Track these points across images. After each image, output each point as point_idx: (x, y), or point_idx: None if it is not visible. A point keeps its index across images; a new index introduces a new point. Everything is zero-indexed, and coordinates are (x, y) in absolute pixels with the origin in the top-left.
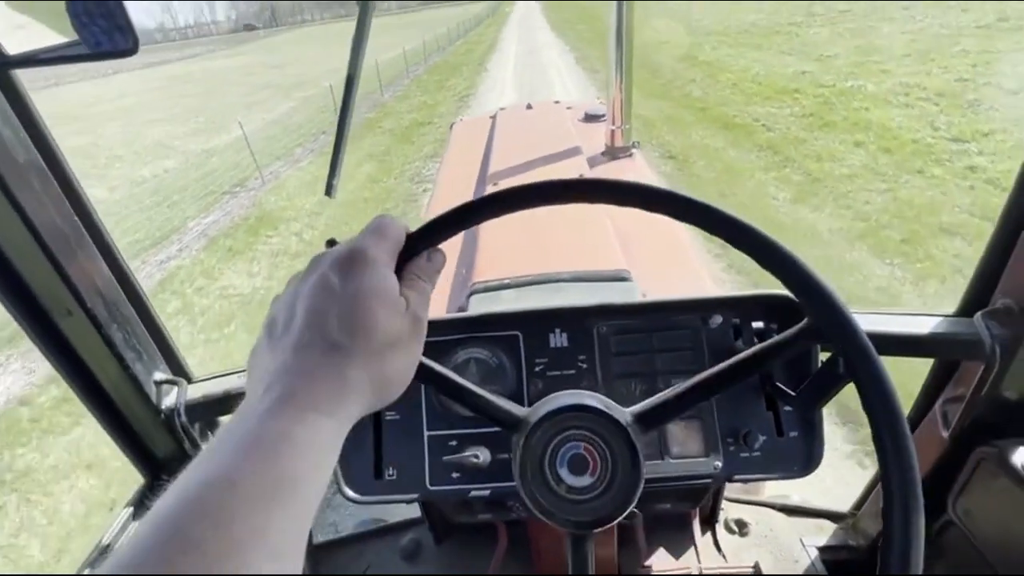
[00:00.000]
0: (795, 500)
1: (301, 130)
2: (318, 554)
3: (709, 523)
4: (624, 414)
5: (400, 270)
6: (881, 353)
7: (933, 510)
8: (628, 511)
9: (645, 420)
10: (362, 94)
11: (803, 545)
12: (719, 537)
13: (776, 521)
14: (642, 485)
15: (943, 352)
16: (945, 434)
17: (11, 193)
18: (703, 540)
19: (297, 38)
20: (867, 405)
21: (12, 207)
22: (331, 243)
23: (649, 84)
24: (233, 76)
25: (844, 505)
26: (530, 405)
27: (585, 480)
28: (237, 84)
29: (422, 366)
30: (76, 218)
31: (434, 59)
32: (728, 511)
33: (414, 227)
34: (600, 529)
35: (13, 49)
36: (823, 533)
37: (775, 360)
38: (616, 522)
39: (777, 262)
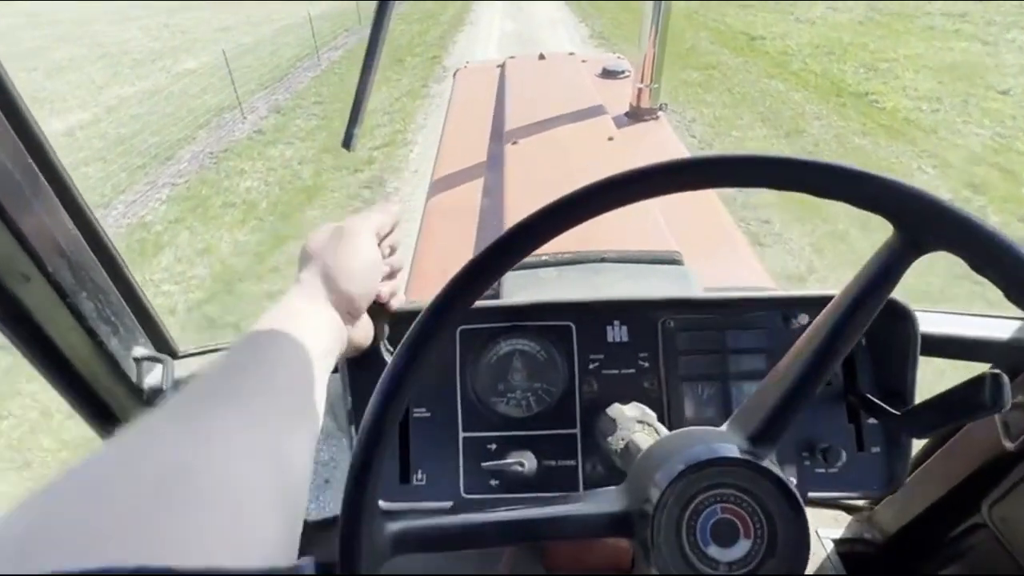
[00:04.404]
0: None
1: None
2: (312, 532)
3: None
4: (737, 443)
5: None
6: (934, 355)
7: (963, 511)
8: (807, 556)
9: (767, 439)
10: (213, 106)
11: (818, 536)
12: None
13: None
14: (808, 519)
15: (1009, 358)
16: (1010, 445)
17: None
18: None
19: None
20: None
21: None
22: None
23: None
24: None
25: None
26: (583, 407)
27: (742, 547)
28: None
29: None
30: (33, 164)
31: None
32: None
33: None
34: None
35: None
36: (838, 525)
37: (887, 294)
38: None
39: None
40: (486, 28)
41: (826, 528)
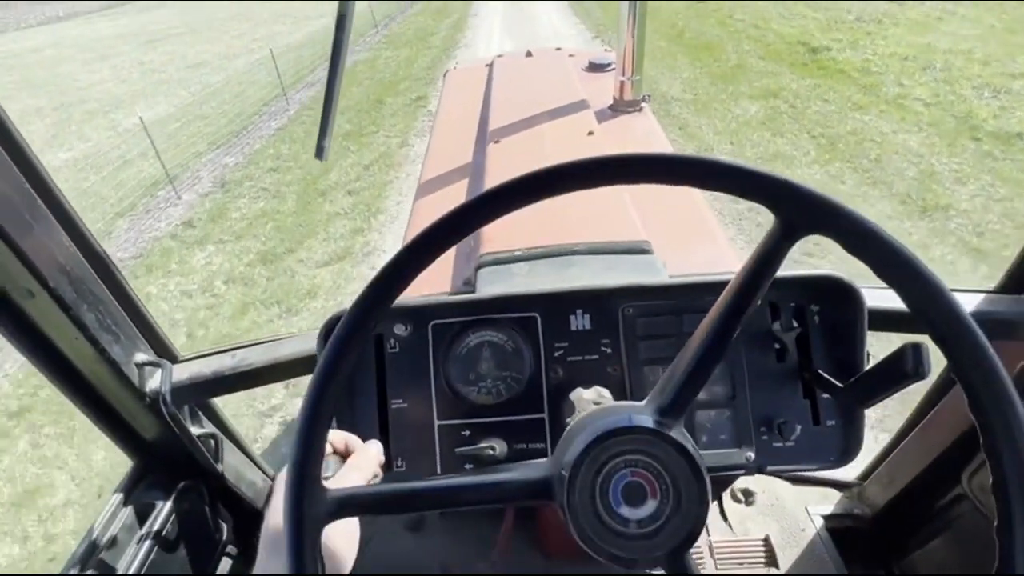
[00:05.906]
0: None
1: None
2: None
3: (715, 493)
4: (648, 413)
5: None
6: (888, 330)
7: (945, 483)
8: (707, 513)
9: (674, 411)
10: (148, 178)
11: (808, 514)
12: (725, 506)
13: (781, 490)
14: (709, 480)
15: (984, 332)
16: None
17: None
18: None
19: None
20: (969, 385)
21: None
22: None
23: None
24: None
25: (850, 475)
26: (549, 393)
27: (650, 506)
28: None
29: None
30: (30, 188)
31: (351, 57)
32: (734, 480)
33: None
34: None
35: None
36: (828, 502)
37: (770, 276)
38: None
39: (854, 233)
40: (483, 50)
41: (816, 505)
